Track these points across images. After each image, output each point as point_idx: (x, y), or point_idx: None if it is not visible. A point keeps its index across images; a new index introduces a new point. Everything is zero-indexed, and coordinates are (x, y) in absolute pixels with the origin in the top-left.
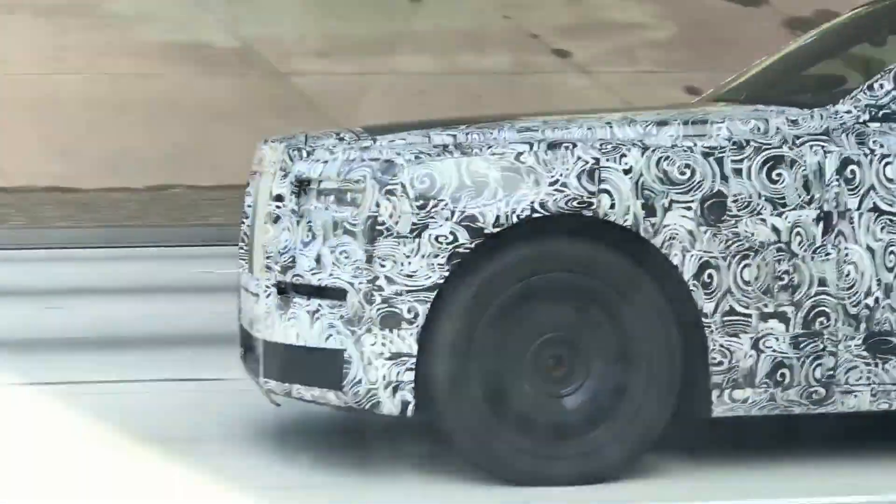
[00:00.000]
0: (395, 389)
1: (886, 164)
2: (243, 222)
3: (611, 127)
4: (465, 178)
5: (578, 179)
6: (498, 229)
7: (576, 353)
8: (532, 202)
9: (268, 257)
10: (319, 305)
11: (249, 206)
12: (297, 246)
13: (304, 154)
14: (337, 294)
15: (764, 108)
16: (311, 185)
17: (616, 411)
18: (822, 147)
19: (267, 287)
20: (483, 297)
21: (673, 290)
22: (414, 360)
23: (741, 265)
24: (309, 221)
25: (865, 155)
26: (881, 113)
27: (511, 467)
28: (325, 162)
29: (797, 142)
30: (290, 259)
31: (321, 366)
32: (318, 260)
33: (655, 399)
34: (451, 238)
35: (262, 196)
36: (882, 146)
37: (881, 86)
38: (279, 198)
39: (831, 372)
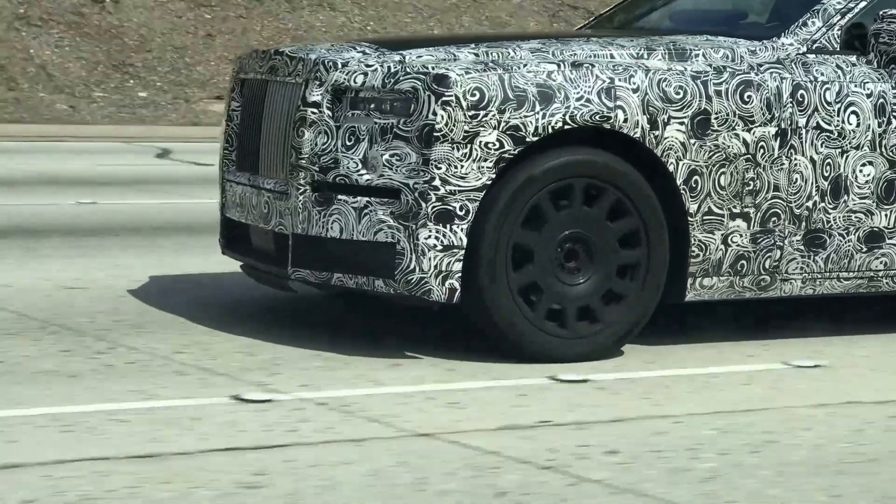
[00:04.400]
0: (445, 278)
1: (826, 89)
2: (228, 124)
3: (609, 49)
4: (508, 91)
5: (599, 96)
6: (536, 138)
7: (589, 248)
8: (564, 115)
9: (301, 158)
10: (368, 203)
11: (235, 109)
12: (338, 149)
13: (340, 65)
14: (389, 193)
15: (718, 38)
16: (348, 93)
17: (621, 297)
18: (779, 73)
19: (300, 185)
20: (521, 198)
21: (666, 193)
22: (463, 251)
23: (719, 172)
24: (351, 127)
25: (811, 81)
26: (815, 46)
27: (534, 347)
28: (365, 73)
29: (760, 69)
30: (332, 161)
31: (371, 257)
32: (363, 161)
33: (652, 286)
34: (498, 145)
35: (284, 103)
36: (822, 74)
37: (813, 23)
38: (315, 104)
39: (777, 263)
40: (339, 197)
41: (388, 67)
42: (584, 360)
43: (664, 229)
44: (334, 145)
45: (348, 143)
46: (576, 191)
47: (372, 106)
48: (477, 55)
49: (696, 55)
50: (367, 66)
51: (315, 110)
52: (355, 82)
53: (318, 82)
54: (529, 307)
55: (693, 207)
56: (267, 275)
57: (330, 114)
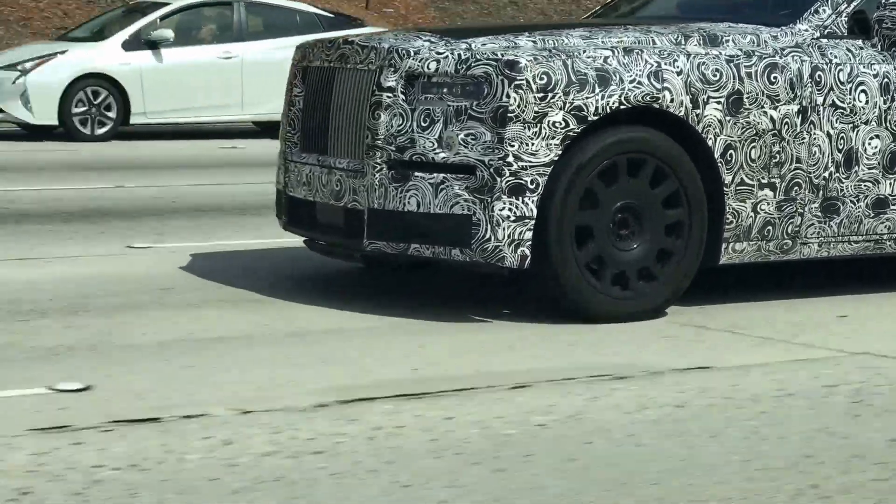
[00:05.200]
0: (517, 246)
1: (840, 70)
2: (291, 109)
3: (650, 36)
4: (571, 75)
5: (649, 79)
6: (597, 117)
7: (638, 216)
8: (620, 96)
9: (377, 139)
10: (444, 179)
11: (298, 95)
12: (414, 129)
13: (412, 53)
14: (465, 169)
15: (740, 25)
16: (421, 79)
17: (671, 255)
18: (800, 56)
19: (376, 164)
20: (584, 171)
21: (705, 166)
22: (533, 222)
23: (750, 147)
24: (426, 109)
25: (826, 64)
26: (826, 31)
27: (601, 310)
28: (437, 60)
29: (783, 52)
30: (408, 140)
31: (448, 228)
32: (439, 141)
33: (695, 243)
34: (564, 124)
35: (357, 89)
36: (836, 57)
37: (824, 10)
38: (390, 89)
39: (797, 228)
40: (416, 174)
41: (459, 55)
42: (645, 318)
43: (703, 195)
44: (410, 126)
45: (424, 125)
46: (625, 165)
47: (445, 90)
48: (535, 42)
49: (727, 40)
50: (438, 53)
51: (390, 94)
52: (428, 68)
53: (392, 69)
54: (593, 275)
55: (728, 178)
56: (334, 248)
57: (404, 97)
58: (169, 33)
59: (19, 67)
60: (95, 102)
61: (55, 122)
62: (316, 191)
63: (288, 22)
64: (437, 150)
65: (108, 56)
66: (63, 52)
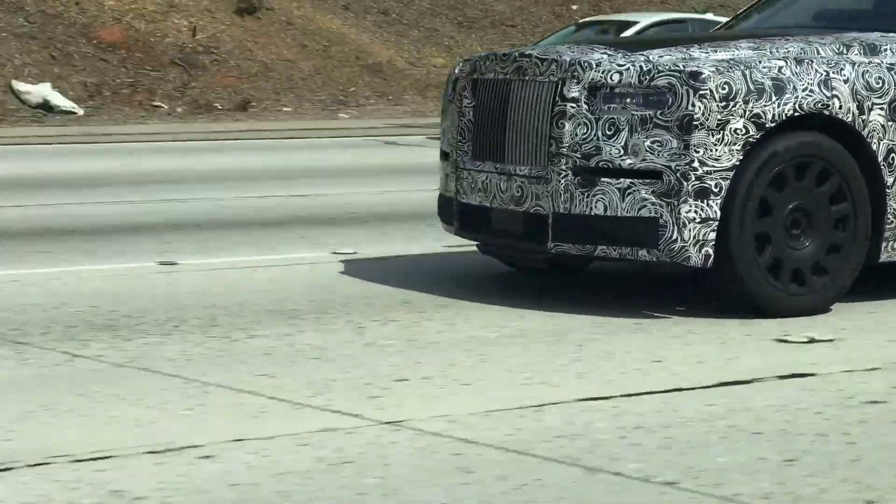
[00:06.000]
0: (702, 246)
1: None
2: (461, 119)
3: (813, 46)
4: (750, 85)
5: (819, 87)
6: (773, 124)
7: (809, 217)
8: (794, 104)
9: (562, 147)
10: (631, 184)
11: (468, 107)
12: (599, 137)
13: (594, 65)
14: (651, 174)
15: (891, 34)
16: (603, 89)
17: (839, 248)
18: None
19: (561, 171)
20: (762, 175)
21: (868, 169)
22: (717, 223)
23: None
24: (610, 118)
25: None
26: None
27: (781, 307)
28: (620, 72)
29: None
30: (594, 148)
31: (636, 230)
32: (625, 148)
33: (860, 243)
34: (744, 130)
35: (538, 99)
36: None
37: None
38: (574, 100)
39: None
40: (603, 179)
41: (640, 66)
42: (818, 312)
43: (866, 191)
44: (594, 135)
45: (608, 133)
46: (794, 168)
47: (628, 100)
48: (708, 54)
49: (885, 49)
50: (619, 65)
51: (574, 105)
52: (611, 80)
53: (575, 80)
54: (773, 275)
55: (890, 180)
56: (509, 251)
57: (587, 107)
58: None
59: None
60: None
61: None
62: (493, 197)
63: None
64: (624, 157)
65: None
66: None
